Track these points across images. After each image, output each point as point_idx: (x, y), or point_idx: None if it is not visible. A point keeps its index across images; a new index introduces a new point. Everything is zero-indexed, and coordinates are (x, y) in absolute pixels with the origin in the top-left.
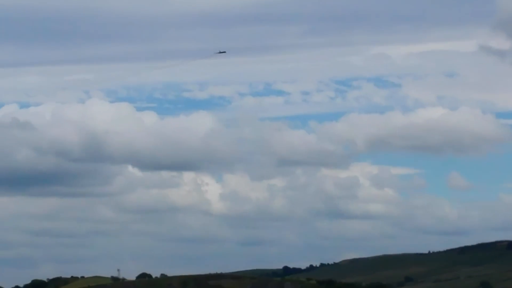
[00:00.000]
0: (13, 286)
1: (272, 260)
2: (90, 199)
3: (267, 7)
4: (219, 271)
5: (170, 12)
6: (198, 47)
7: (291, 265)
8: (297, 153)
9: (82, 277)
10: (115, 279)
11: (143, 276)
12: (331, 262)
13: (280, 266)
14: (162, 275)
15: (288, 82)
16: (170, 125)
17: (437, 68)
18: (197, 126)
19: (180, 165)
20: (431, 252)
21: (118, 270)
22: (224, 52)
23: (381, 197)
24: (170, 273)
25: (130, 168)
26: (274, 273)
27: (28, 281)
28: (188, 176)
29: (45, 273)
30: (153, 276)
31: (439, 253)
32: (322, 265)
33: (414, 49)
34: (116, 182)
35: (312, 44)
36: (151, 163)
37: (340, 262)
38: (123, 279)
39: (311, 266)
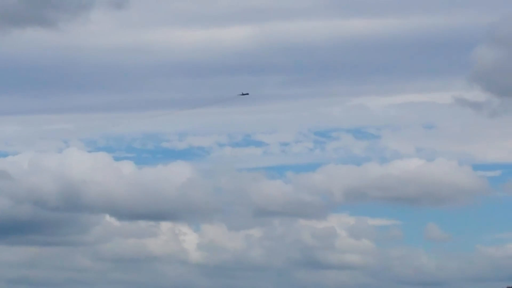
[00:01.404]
0: None
1: None
2: (67, 248)
3: (247, 57)
4: None
5: (150, 62)
6: (178, 97)
7: None
8: (275, 203)
9: None
10: None
11: None
12: None
13: None
14: None
15: (267, 133)
16: (148, 175)
17: (415, 120)
18: (175, 176)
19: (158, 215)
20: None
21: None
22: (247, 94)
23: (358, 247)
24: None
25: (107, 217)
26: None
27: None
28: (165, 225)
29: None
30: None
31: None
32: None
33: (393, 101)
34: (94, 231)
35: (292, 94)
36: (129, 213)
37: None
38: None
39: None
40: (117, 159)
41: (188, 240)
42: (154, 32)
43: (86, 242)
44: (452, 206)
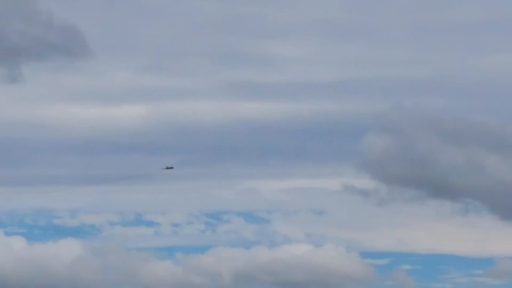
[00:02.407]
0: None
1: None
2: None
3: (139, 137)
4: None
5: (43, 137)
6: (71, 174)
7: None
8: (164, 284)
9: None
10: None
11: None
12: None
13: None
14: None
15: (158, 213)
16: (39, 251)
17: (305, 205)
18: (64, 253)
19: None
20: None
21: None
22: (172, 168)
23: None
24: None
25: None
26: None
27: None
28: None
29: None
30: None
31: None
32: None
33: (284, 185)
34: None
35: (184, 175)
36: None
37: None
38: None
39: None
40: (8, 234)
41: None
42: (49, 108)
43: None
44: None
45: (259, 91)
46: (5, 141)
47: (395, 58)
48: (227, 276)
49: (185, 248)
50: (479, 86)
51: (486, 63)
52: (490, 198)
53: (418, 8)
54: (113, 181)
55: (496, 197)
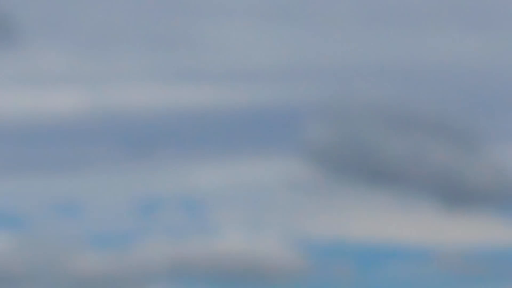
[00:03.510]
0: None
1: None
2: None
3: (71, 123)
4: None
5: None
6: (1, 162)
7: None
8: (94, 275)
9: None
10: None
11: None
12: None
13: None
14: None
15: (89, 201)
16: None
17: (244, 194)
18: None
19: None
20: None
21: None
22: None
23: None
24: None
25: None
26: None
27: None
28: None
29: None
30: None
31: None
32: None
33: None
34: None
35: (117, 162)
36: None
37: None
38: None
39: None
40: None
41: None
42: None
43: None
44: (276, 284)
45: (198, 76)
46: None
47: (336, 43)
48: (159, 267)
49: (117, 237)
50: (422, 72)
51: (428, 48)
52: (433, 185)
53: None
54: (42, 168)
55: (439, 184)
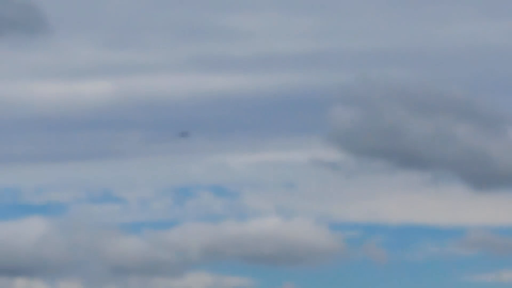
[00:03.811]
0: None
1: None
2: None
3: (103, 113)
4: None
5: (5, 115)
6: (35, 152)
7: None
8: (131, 261)
9: None
10: None
11: None
12: None
13: None
14: None
15: (125, 189)
16: (3, 230)
17: (275, 178)
18: (30, 231)
19: (12, 271)
20: None
21: None
22: (187, 134)
23: None
24: None
25: None
26: None
27: None
28: (20, 282)
29: None
30: None
31: None
32: None
33: (252, 159)
34: None
35: (151, 151)
36: None
37: None
38: None
39: None
40: None
41: None
42: (10, 85)
43: None
44: (309, 266)
45: (224, 65)
46: None
47: (359, 29)
48: (194, 251)
49: (152, 224)
50: (445, 55)
51: (451, 32)
52: (460, 168)
53: None
54: (79, 157)
55: (466, 166)
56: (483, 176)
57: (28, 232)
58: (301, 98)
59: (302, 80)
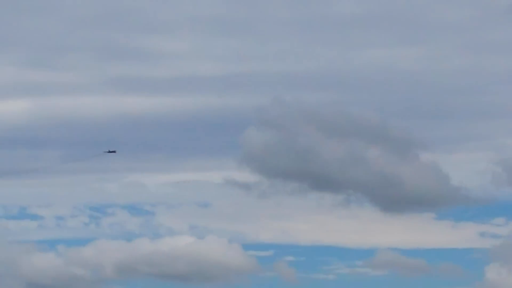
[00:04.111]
0: None
1: None
2: None
3: (22, 131)
4: None
5: None
6: None
7: None
8: (46, 277)
9: None
10: None
11: None
12: None
13: None
14: None
15: (42, 207)
16: None
17: (190, 198)
18: None
19: None
20: None
21: None
22: (114, 151)
23: None
24: None
25: None
26: None
27: None
28: None
29: None
30: None
31: None
32: None
33: (168, 178)
34: None
35: (68, 169)
36: None
37: None
38: None
39: None
40: None
41: None
42: None
43: None
44: (222, 284)
45: (142, 86)
46: None
47: (275, 52)
48: (109, 268)
49: (68, 241)
50: (358, 80)
51: (364, 57)
52: (371, 190)
53: (297, 2)
54: None
55: (376, 189)
56: (393, 199)
57: None
58: (217, 120)
59: (219, 102)
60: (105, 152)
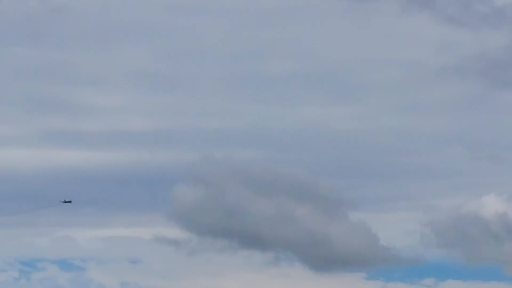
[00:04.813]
0: None
1: None
2: None
3: None
4: None
5: None
6: None
7: None
8: None
9: None
10: None
11: None
12: None
13: None
14: None
15: None
16: None
17: (121, 254)
18: None
19: None
20: None
21: None
22: (70, 202)
23: None
24: None
25: None
26: None
27: None
28: None
29: None
30: None
31: None
32: None
33: (99, 234)
34: None
35: None
36: None
37: None
38: None
39: None
40: None
41: None
42: None
43: None
44: None
45: (74, 139)
46: None
47: (206, 108)
48: None
49: None
50: (288, 138)
51: (295, 115)
52: (300, 249)
53: (229, 60)
54: None
55: (305, 247)
56: (323, 258)
57: None
58: (148, 175)
59: (150, 158)
60: (60, 202)
